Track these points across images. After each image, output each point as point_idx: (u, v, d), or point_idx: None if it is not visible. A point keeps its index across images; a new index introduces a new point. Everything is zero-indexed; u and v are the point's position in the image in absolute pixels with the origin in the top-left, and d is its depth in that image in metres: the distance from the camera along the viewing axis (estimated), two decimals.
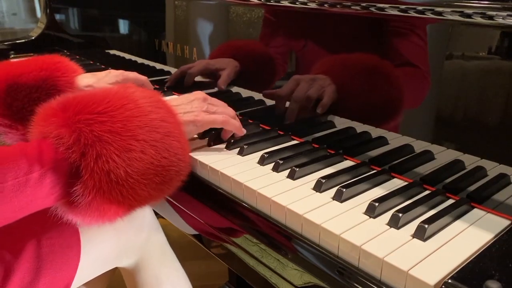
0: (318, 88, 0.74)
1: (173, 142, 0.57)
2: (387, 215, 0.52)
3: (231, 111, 0.74)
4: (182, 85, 1.04)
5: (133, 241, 0.80)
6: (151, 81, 0.96)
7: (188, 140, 0.62)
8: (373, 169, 0.65)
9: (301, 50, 0.78)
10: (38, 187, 0.49)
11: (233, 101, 0.92)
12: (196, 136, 0.78)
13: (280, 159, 0.65)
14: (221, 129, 0.75)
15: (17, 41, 1.62)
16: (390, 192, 0.56)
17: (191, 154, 0.70)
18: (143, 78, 0.93)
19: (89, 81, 0.87)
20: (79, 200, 0.51)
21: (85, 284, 0.77)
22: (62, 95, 0.56)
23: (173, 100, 0.70)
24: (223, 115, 0.71)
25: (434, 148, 0.64)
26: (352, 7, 0.65)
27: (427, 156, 0.64)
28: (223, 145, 0.74)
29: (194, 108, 0.70)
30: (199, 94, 0.73)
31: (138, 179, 0.53)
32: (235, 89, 0.93)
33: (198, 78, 1.02)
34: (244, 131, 0.75)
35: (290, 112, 0.80)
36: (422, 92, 0.62)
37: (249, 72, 0.89)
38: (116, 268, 0.85)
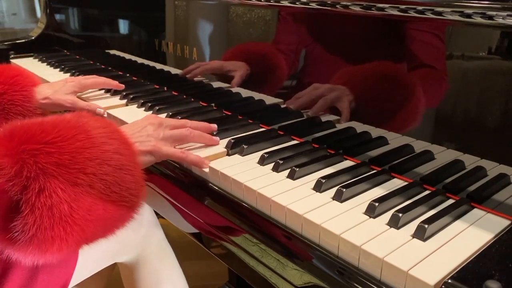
0: (337, 98, 0.74)
1: (126, 176, 0.54)
2: (387, 215, 0.52)
3: (185, 130, 0.71)
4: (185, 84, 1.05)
5: (132, 238, 0.80)
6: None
7: (143, 173, 0.58)
8: (373, 169, 0.65)
9: (311, 49, 0.78)
10: None
11: (233, 101, 0.92)
12: None
13: (280, 159, 0.65)
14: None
15: (17, 41, 1.62)
16: (390, 192, 0.56)
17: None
18: (101, 81, 0.94)
19: (46, 93, 0.86)
20: (18, 236, 0.48)
21: (84, 281, 0.77)
22: (10, 122, 0.53)
23: (125, 127, 0.66)
24: (182, 151, 0.68)
25: (434, 148, 0.64)
26: (351, 7, 0.65)
27: (427, 156, 0.64)
28: (223, 145, 0.73)
29: (150, 136, 0.67)
30: (152, 119, 0.70)
31: (84, 215, 0.50)
32: (235, 89, 0.93)
33: (197, 78, 1.02)
34: (207, 163, 0.68)
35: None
36: (440, 92, 0.61)
37: (258, 75, 0.90)
38: (115, 265, 0.85)
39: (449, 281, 0.41)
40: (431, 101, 0.63)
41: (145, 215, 0.82)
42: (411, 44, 0.63)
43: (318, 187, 0.58)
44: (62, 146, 0.50)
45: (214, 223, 0.65)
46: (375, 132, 0.71)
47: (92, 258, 0.74)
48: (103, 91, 1.06)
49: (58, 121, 0.53)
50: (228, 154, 0.71)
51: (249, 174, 0.63)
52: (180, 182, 0.71)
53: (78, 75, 1.23)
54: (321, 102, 0.76)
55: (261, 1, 0.81)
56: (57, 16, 1.65)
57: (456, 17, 0.54)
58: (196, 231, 0.71)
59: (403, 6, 0.59)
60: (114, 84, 0.98)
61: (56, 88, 0.88)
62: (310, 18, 0.76)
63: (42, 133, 0.51)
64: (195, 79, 1.02)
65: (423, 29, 0.61)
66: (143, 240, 0.81)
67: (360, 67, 0.71)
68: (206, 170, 0.67)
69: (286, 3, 0.76)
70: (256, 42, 0.86)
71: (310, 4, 0.71)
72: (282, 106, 0.83)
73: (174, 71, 1.09)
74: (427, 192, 0.58)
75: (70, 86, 0.89)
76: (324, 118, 0.78)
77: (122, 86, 1.01)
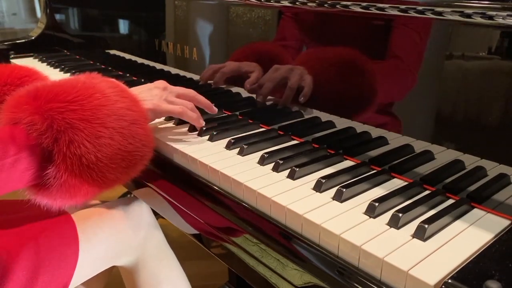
0: (298, 78, 0.78)
1: (138, 130, 0.61)
2: (387, 215, 0.52)
3: (188, 103, 0.77)
4: None
5: (132, 240, 0.80)
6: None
7: (151, 126, 0.66)
8: (373, 169, 0.65)
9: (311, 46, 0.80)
10: (12, 171, 0.52)
11: (233, 101, 0.92)
12: (196, 135, 0.78)
13: (280, 159, 0.65)
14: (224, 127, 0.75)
15: (17, 41, 1.62)
16: (390, 192, 0.56)
17: (191, 154, 0.70)
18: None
19: None
20: (51, 182, 0.55)
21: (83, 284, 0.77)
22: (30, 85, 0.59)
23: (134, 88, 0.72)
24: (181, 107, 0.74)
25: (434, 148, 0.64)
26: (351, 7, 0.65)
27: (427, 156, 0.64)
28: (223, 145, 0.74)
29: (154, 96, 0.74)
30: (159, 83, 0.77)
31: (107, 163, 0.57)
32: (235, 89, 0.93)
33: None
34: (202, 123, 0.78)
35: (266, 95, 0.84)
36: (404, 86, 0.64)
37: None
38: (113, 267, 0.85)
39: (449, 281, 0.41)
40: (393, 93, 0.66)
41: (144, 216, 0.82)
42: (387, 37, 0.65)
43: (318, 187, 0.58)
44: (83, 104, 0.56)
45: (214, 223, 0.65)
46: (375, 132, 0.71)
47: (92, 260, 0.74)
48: None
49: (75, 82, 0.59)
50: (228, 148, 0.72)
51: (249, 174, 0.63)
52: (180, 183, 0.71)
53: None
54: (288, 91, 0.80)
55: (261, 1, 0.81)
56: (57, 16, 1.65)
57: (456, 17, 0.54)
58: (196, 232, 0.71)
59: (403, 6, 0.59)
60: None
61: None
62: (293, 15, 0.77)
63: (64, 93, 0.56)
64: (195, 79, 1.02)
65: (404, 25, 0.63)
66: (142, 241, 0.81)
67: (324, 51, 0.75)
68: (203, 123, 0.77)
69: (286, 3, 0.76)
70: (263, 42, 0.86)
71: (309, 4, 0.71)
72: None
73: (174, 71, 1.09)
74: (427, 192, 0.58)
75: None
76: (324, 118, 0.78)
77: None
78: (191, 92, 0.79)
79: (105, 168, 0.57)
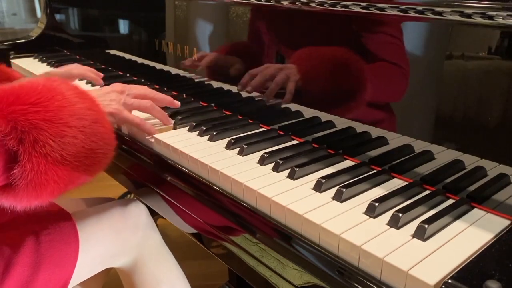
0: (285, 76, 0.80)
1: (100, 128, 0.63)
2: (387, 215, 0.52)
3: (146, 102, 0.79)
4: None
5: (130, 240, 0.80)
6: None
7: (111, 125, 0.67)
8: (373, 169, 0.65)
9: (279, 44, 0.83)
10: None
11: (233, 101, 0.92)
12: (196, 135, 0.78)
13: (280, 159, 0.65)
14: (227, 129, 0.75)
15: (17, 41, 1.62)
16: (390, 192, 0.56)
17: (191, 154, 0.70)
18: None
19: None
20: (17, 182, 0.55)
21: (80, 284, 0.78)
22: None
23: (91, 91, 0.72)
24: (139, 118, 0.78)
25: (434, 148, 0.64)
26: (351, 7, 0.65)
27: (427, 156, 0.64)
28: (223, 145, 0.74)
29: (112, 100, 0.75)
30: (116, 86, 0.78)
31: (71, 161, 0.59)
32: (235, 89, 0.93)
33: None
34: (157, 132, 0.79)
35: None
36: (398, 87, 0.65)
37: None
38: (110, 270, 0.85)
39: (449, 281, 0.41)
40: (385, 94, 0.68)
41: (142, 217, 0.83)
42: (369, 38, 0.67)
43: (318, 187, 0.58)
44: (46, 105, 0.58)
45: (214, 222, 0.65)
46: (375, 132, 0.71)
47: (91, 260, 0.74)
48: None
49: (35, 85, 0.60)
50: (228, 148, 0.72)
51: (249, 174, 0.63)
52: (180, 183, 0.71)
53: None
54: (273, 86, 0.82)
55: (261, 1, 0.81)
56: (57, 16, 1.65)
57: (456, 17, 0.54)
58: (196, 231, 0.71)
59: (403, 6, 0.59)
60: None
61: None
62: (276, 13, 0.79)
63: (26, 96, 0.57)
64: (196, 79, 1.02)
65: (383, 26, 0.64)
66: (140, 241, 0.82)
67: (314, 50, 0.77)
68: (156, 132, 0.78)
69: (286, 3, 0.76)
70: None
71: (310, 4, 0.71)
72: (283, 106, 0.83)
73: (174, 71, 1.09)
74: (427, 192, 0.58)
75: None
76: (324, 118, 0.78)
77: (101, 76, 1.01)
78: (148, 92, 0.81)
79: (70, 166, 0.59)
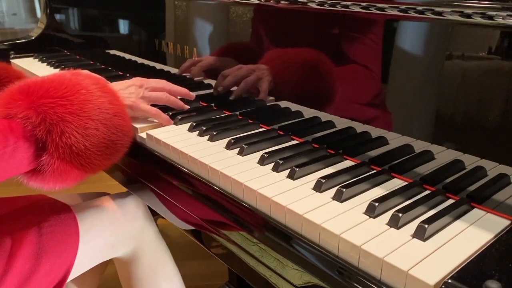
0: (258, 79, 0.84)
1: (120, 121, 0.68)
2: (387, 215, 0.52)
3: (163, 94, 0.84)
4: None
5: (129, 230, 0.83)
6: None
7: (130, 118, 0.73)
8: (373, 169, 0.65)
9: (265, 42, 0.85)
10: (12, 158, 0.58)
11: (233, 101, 0.92)
12: (196, 135, 0.78)
13: (280, 159, 0.65)
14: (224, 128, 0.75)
15: (17, 41, 1.62)
16: (390, 192, 0.56)
17: (191, 154, 0.70)
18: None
19: None
20: (45, 168, 0.62)
21: (78, 278, 0.79)
22: (20, 81, 0.65)
23: (113, 84, 0.78)
24: (156, 109, 0.82)
25: (434, 148, 0.64)
26: (351, 7, 0.65)
27: (427, 156, 0.64)
28: (223, 145, 0.74)
29: (131, 94, 0.81)
30: (136, 81, 0.84)
31: (94, 151, 0.64)
32: (235, 89, 0.92)
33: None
34: (172, 123, 0.83)
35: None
36: (368, 88, 0.68)
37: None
38: (108, 263, 0.86)
39: (449, 281, 0.41)
40: (359, 95, 0.71)
41: (140, 209, 0.85)
42: (344, 39, 0.70)
43: (318, 187, 0.58)
44: (71, 100, 0.63)
45: (214, 223, 0.65)
46: (375, 132, 0.71)
47: (91, 249, 0.77)
48: None
49: (62, 79, 0.66)
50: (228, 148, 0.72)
51: (249, 174, 0.63)
52: (180, 182, 0.71)
53: None
54: (243, 84, 0.87)
55: (261, 1, 0.81)
56: (57, 16, 1.65)
57: (456, 17, 0.54)
58: (192, 227, 0.72)
59: (403, 6, 0.59)
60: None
61: None
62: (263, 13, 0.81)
63: (53, 90, 0.63)
64: (196, 79, 1.02)
65: (359, 27, 0.67)
66: (139, 231, 0.84)
67: (285, 52, 0.80)
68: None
69: (286, 3, 0.76)
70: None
71: (309, 4, 0.71)
72: (283, 106, 0.83)
73: (174, 71, 1.09)
74: (427, 192, 0.58)
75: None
76: (324, 118, 0.78)
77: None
78: (165, 85, 0.86)
79: (92, 155, 0.64)
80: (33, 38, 1.65)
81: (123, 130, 0.69)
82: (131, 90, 0.81)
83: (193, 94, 0.90)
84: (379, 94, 0.68)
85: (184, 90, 0.89)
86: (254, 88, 0.84)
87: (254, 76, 0.84)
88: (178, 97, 0.89)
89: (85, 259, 0.76)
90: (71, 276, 0.73)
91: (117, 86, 0.80)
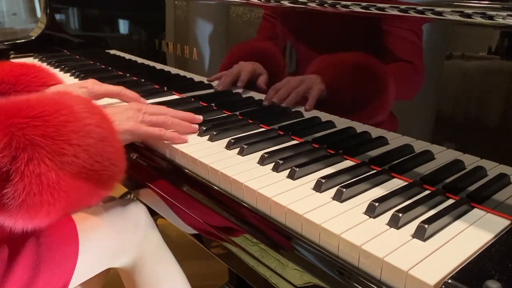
0: (306, 87, 0.78)
1: (107, 147, 0.59)
2: (387, 215, 0.52)
3: (165, 117, 0.76)
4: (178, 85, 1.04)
5: (130, 239, 0.80)
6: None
7: (122, 144, 0.64)
8: (373, 169, 0.65)
9: (296, 46, 0.80)
10: None
11: (233, 101, 0.92)
12: (196, 135, 0.78)
13: (280, 159, 0.65)
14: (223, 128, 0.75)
15: (17, 41, 1.62)
16: (390, 192, 0.56)
17: (191, 154, 0.70)
18: (116, 90, 0.88)
19: None
20: (9, 202, 0.51)
21: (80, 285, 0.78)
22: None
23: (108, 108, 0.70)
24: (160, 129, 0.74)
25: (434, 148, 0.64)
26: (351, 7, 0.65)
27: (427, 156, 0.64)
28: (223, 145, 0.74)
29: (130, 117, 0.72)
30: (134, 105, 0.76)
31: (69, 182, 0.54)
32: (235, 89, 0.93)
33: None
34: (186, 139, 0.75)
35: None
36: (415, 86, 0.64)
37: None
38: (110, 270, 0.85)
39: (449, 281, 0.41)
40: (405, 94, 0.66)
41: (142, 217, 0.83)
42: (387, 39, 0.65)
43: (318, 187, 0.58)
44: (48, 120, 0.54)
45: (214, 223, 0.65)
46: (375, 132, 0.71)
47: (92, 259, 0.74)
48: None
49: (42, 98, 0.57)
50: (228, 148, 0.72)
51: (249, 174, 0.63)
52: (180, 183, 0.71)
53: (78, 75, 1.23)
54: (293, 95, 0.81)
55: (261, 1, 0.81)
56: (57, 16, 1.65)
57: (456, 17, 0.54)
58: (195, 232, 0.71)
59: (403, 6, 0.59)
60: (135, 96, 0.90)
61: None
62: (294, 16, 0.77)
63: (28, 108, 0.54)
64: (196, 79, 1.02)
65: (399, 26, 0.63)
66: (141, 240, 0.82)
67: (334, 57, 0.75)
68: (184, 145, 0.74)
69: (286, 3, 0.76)
70: (257, 41, 0.86)
71: (309, 4, 0.71)
72: (283, 105, 0.83)
73: (174, 71, 1.09)
74: (427, 192, 0.58)
75: (81, 93, 0.85)
76: (324, 118, 0.78)
77: (143, 101, 0.91)
78: (166, 111, 0.78)
79: (67, 187, 0.54)
80: (33, 38, 1.65)
81: (111, 159, 0.59)
82: (129, 114, 0.73)
83: (200, 117, 0.81)
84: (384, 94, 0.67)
85: (189, 115, 0.80)
86: (304, 98, 0.79)
87: (304, 86, 0.78)
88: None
89: (85, 269, 0.73)
90: (71, 285, 0.72)
91: (113, 109, 0.73)
